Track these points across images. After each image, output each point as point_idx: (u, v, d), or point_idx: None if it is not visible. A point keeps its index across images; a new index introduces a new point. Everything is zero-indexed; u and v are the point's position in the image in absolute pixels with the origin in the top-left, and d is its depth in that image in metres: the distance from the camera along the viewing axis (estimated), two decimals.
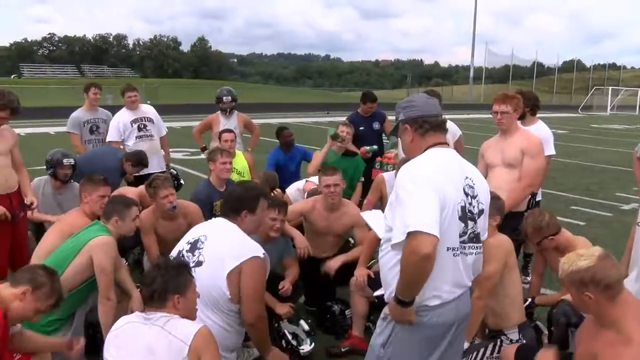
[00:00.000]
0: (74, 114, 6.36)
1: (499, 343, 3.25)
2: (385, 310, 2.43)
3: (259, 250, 2.90)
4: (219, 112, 6.63)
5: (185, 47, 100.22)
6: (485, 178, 4.31)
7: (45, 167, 4.89)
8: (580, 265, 2.27)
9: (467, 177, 2.37)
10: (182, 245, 3.06)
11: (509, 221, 3.76)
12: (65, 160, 4.79)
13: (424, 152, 2.40)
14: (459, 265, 2.33)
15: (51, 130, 17.90)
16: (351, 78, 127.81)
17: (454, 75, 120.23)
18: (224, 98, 6.50)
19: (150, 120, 6.39)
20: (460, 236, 2.30)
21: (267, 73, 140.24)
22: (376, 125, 6.60)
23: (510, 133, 4.25)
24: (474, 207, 2.36)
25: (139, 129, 6.25)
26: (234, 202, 3.06)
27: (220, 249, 2.91)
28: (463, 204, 2.30)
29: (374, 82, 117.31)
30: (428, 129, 2.43)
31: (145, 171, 5.72)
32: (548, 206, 3.82)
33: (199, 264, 2.90)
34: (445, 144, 2.46)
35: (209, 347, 2.33)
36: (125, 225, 3.56)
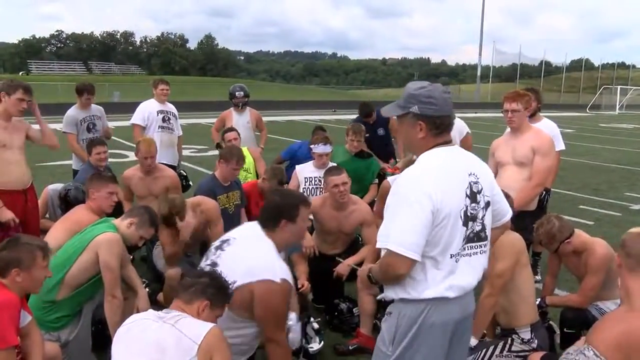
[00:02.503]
0: (70, 113, 6.25)
1: (509, 342, 3.21)
2: (389, 308, 2.38)
3: (277, 275, 2.70)
4: (232, 108, 6.91)
5: (192, 45, 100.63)
6: (496, 176, 4.31)
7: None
8: (628, 231, 2.56)
9: (471, 174, 2.28)
10: (216, 242, 3.03)
11: (519, 221, 3.71)
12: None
13: (427, 150, 2.29)
14: (462, 269, 2.26)
15: (58, 126, 17.93)
16: (358, 76, 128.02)
17: (461, 74, 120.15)
18: (237, 93, 6.83)
19: (175, 116, 6.68)
20: (463, 240, 2.25)
21: (274, 71, 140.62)
22: (381, 131, 6.59)
23: (521, 131, 4.21)
24: (478, 204, 2.28)
25: (163, 120, 6.51)
26: (273, 211, 2.88)
27: (238, 260, 2.79)
28: (465, 209, 2.23)
29: (380, 80, 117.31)
30: (443, 130, 2.28)
31: (160, 161, 5.93)
32: (556, 205, 3.79)
33: (214, 264, 2.86)
34: (450, 142, 2.33)
35: (220, 347, 2.30)
36: (134, 234, 3.50)
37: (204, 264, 2.94)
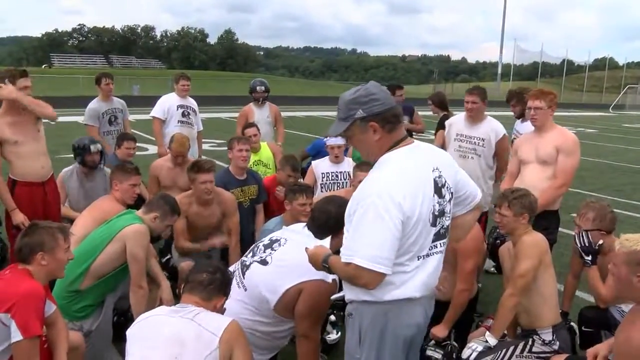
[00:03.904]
0: (92, 106, 6.28)
1: (530, 342, 3.17)
2: (349, 308, 2.33)
3: (329, 275, 2.69)
4: (251, 103, 6.85)
5: (212, 40, 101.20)
6: (518, 174, 4.27)
7: (72, 155, 4.90)
8: None
9: (434, 169, 2.18)
10: (264, 239, 3.07)
11: (541, 220, 3.68)
12: (92, 147, 4.76)
13: (386, 152, 2.18)
14: (427, 267, 2.21)
15: (80, 119, 18.09)
16: (377, 72, 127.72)
17: (482, 71, 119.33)
18: (257, 88, 6.78)
19: (194, 111, 6.71)
20: (431, 240, 2.19)
21: (293, 66, 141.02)
22: (405, 119, 6.54)
23: (544, 129, 4.15)
24: (443, 198, 2.21)
25: (183, 115, 6.54)
26: (329, 223, 2.71)
27: (292, 261, 2.80)
28: (433, 209, 2.15)
29: (400, 77, 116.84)
30: (395, 123, 2.16)
31: None
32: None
33: (263, 262, 2.88)
34: (406, 137, 2.23)
35: (240, 341, 2.32)
36: (160, 226, 3.57)
37: (250, 259, 2.97)
